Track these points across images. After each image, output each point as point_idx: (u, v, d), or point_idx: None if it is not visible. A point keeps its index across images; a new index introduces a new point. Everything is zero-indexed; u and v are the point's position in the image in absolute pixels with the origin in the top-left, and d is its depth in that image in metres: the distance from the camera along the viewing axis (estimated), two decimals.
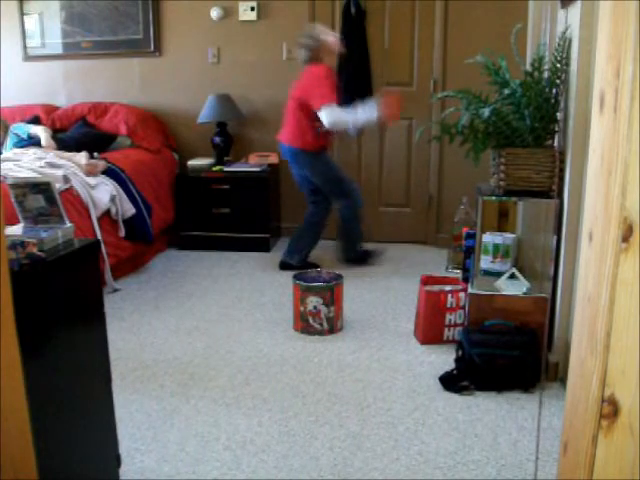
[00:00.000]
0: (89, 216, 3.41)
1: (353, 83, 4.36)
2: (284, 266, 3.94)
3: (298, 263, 3.91)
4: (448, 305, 2.84)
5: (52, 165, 3.58)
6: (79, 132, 4.41)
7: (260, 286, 3.71)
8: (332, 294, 3.00)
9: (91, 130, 4.49)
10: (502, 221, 3.75)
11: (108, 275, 3.52)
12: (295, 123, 3.77)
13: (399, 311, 3.30)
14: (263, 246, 4.41)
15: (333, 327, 3.02)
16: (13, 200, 1.69)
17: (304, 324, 3.02)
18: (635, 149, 0.88)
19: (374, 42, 4.39)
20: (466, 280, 3.00)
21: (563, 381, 2.44)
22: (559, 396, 2.36)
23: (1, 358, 1.00)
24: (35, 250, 1.49)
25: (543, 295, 2.59)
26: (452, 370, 2.54)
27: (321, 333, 3.00)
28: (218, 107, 4.46)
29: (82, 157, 3.76)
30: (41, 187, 1.66)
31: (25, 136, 4.17)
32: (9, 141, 4.17)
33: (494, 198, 2.68)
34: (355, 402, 2.38)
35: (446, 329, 2.87)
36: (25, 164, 3.54)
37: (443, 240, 4.38)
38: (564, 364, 2.45)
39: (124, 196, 3.74)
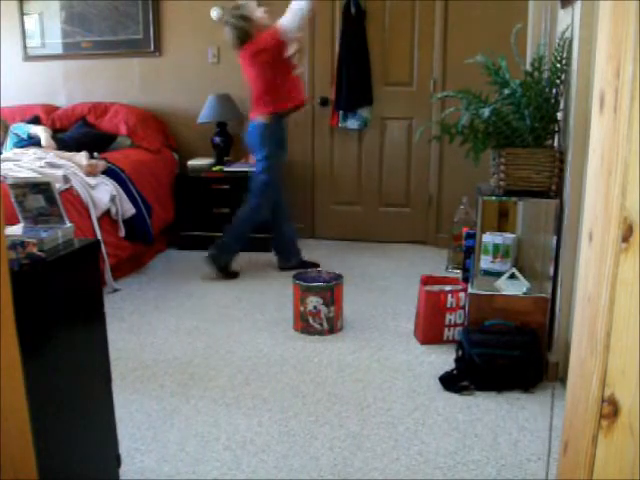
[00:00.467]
0: (89, 216, 3.41)
1: (353, 83, 4.37)
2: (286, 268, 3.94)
3: (297, 263, 3.91)
4: (448, 305, 2.84)
5: (52, 165, 3.58)
6: (79, 132, 4.41)
7: (260, 286, 3.71)
8: (332, 294, 3.00)
9: (91, 130, 4.49)
10: (502, 221, 3.75)
11: (108, 275, 3.52)
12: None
13: (399, 311, 3.30)
14: (263, 246, 4.41)
15: (333, 327, 3.02)
16: (13, 200, 1.69)
17: (304, 324, 3.02)
18: (635, 149, 0.88)
19: (374, 42, 4.39)
20: (466, 280, 3.00)
21: (563, 381, 2.44)
22: (559, 396, 2.36)
23: (1, 358, 1.00)
24: (35, 250, 1.49)
25: (543, 295, 2.59)
26: (452, 370, 2.54)
27: (321, 333, 3.00)
28: (218, 107, 4.46)
29: (82, 157, 3.76)
30: (41, 187, 1.66)
31: (25, 136, 4.17)
32: (9, 141, 4.17)
33: (494, 198, 2.68)
34: (355, 402, 2.38)
35: (446, 329, 2.87)
36: (25, 164, 3.54)
37: (443, 240, 4.37)
38: (564, 364, 2.45)
39: (124, 196, 3.74)
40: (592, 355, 0.98)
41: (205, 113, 4.47)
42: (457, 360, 2.57)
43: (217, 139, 4.51)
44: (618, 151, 0.91)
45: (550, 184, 2.54)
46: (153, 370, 2.65)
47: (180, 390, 2.48)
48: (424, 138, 4.23)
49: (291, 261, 3.96)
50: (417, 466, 1.98)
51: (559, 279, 2.52)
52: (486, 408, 2.33)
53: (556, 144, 2.68)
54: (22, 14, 4.86)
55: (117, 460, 1.87)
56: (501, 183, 2.58)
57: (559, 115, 2.60)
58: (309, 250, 4.43)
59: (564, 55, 2.48)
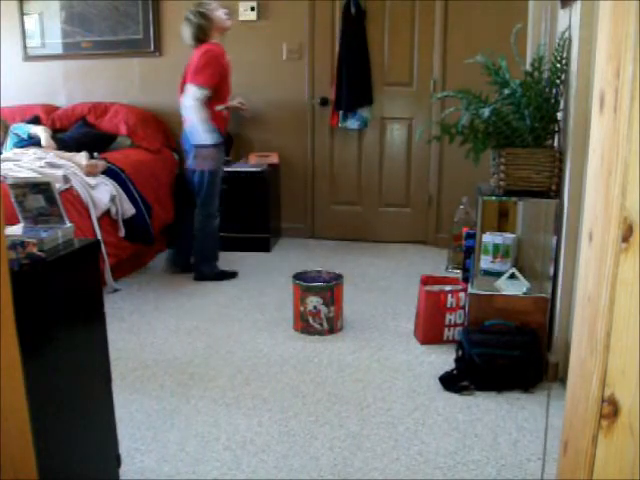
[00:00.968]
0: (89, 216, 3.41)
1: (353, 83, 4.37)
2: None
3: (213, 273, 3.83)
4: (448, 305, 2.84)
5: (52, 165, 3.58)
6: (79, 132, 4.41)
7: (260, 286, 3.71)
8: (332, 294, 3.00)
9: (91, 130, 4.49)
10: (502, 221, 3.75)
11: (108, 275, 3.52)
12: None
13: (399, 311, 3.30)
14: (263, 246, 4.41)
15: (333, 327, 3.02)
16: (13, 200, 1.69)
17: (304, 324, 3.02)
18: (635, 149, 0.88)
19: (374, 42, 4.39)
20: (466, 280, 3.00)
21: (563, 381, 2.44)
22: (559, 396, 2.36)
23: (1, 358, 1.00)
24: (35, 250, 1.49)
25: (543, 295, 2.59)
26: (452, 370, 2.54)
27: (321, 333, 3.00)
28: None
29: (82, 157, 3.76)
30: (41, 187, 1.66)
31: (25, 136, 4.17)
32: (9, 141, 4.17)
33: (494, 198, 2.68)
34: (355, 402, 2.38)
35: (446, 329, 2.87)
36: (25, 164, 3.54)
37: (443, 240, 4.38)
38: (564, 364, 2.45)
39: (124, 196, 3.74)
40: (592, 355, 0.98)
41: None
42: (457, 360, 2.57)
43: None
44: (618, 151, 0.91)
45: (550, 184, 2.54)
46: (153, 370, 2.65)
47: (180, 390, 2.48)
48: (424, 138, 4.23)
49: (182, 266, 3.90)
50: (417, 466, 1.98)
51: (559, 279, 2.52)
52: (486, 408, 2.33)
53: (556, 144, 2.68)
54: (22, 14, 4.86)
55: (117, 460, 1.87)
56: (501, 183, 2.58)
57: (559, 115, 2.60)
58: (309, 250, 4.45)
59: (564, 55, 2.48)
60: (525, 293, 2.63)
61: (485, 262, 3.12)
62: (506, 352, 2.42)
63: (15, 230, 1.65)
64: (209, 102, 3.47)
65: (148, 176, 4.15)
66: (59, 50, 4.85)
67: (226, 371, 2.64)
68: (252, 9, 4.49)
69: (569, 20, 2.48)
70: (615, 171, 0.92)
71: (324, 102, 4.55)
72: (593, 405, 0.97)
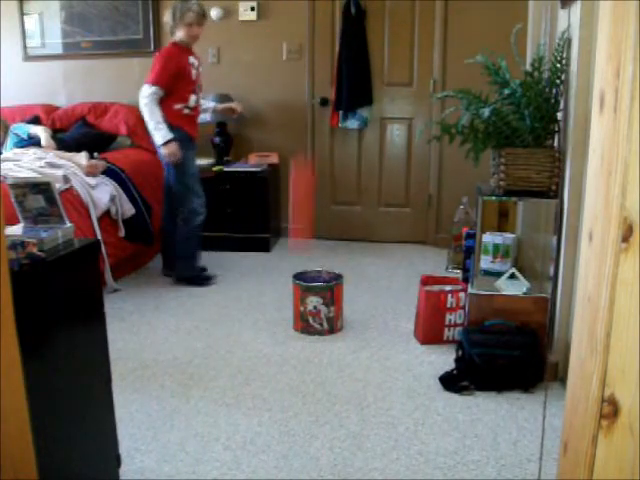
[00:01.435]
0: (89, 216, 3.41)
1: (353, 83, 4.37)
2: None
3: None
4: (448, 305, 2.84)
5: (52, 165, 3.58)
6: (79, 132, 4.41)
7: (260, 286, 3.71)
8: (332, 294, 3.00)
9: (91, 130, 4.49)
10: (502, 221, 3.76)
11: (108, 275, 3.52)
12: None
13: (399, 311, 3.30)
14: (263, 246, 4.41)
15: (333, 327, 3.02)
16: (13, 200, 1.69)
17: (304, 324, 3.02)
18: (635, 149, 0.88)
19: (374, 42, 4.39)
20: (466, 280, 3.00)
21: (563, 381, 2.44)
22: (559, 396, 2.36)
23: (1, 358, 1.00)
24: (35, 250, 1.49)
25: (543, 295, 2.59)
26: (452, 370, 2.54)
27: (321, 333, 3.00)
28: None
29: (82, 157, 3.76)
30: (41, 187, 1.66)
31: (25, 136, 4.17)
32: (9, 141, 4.17)
33: (494, 198, 2.68)
34: (355, 402, 2.38)
35: (446, 329, 2.87)
36: (25, 164, 3.54)
37: (443, 240, 4.37)
38: (564, 364, 2.45)
39: (124, 196, 3.74)
40: (592, 355, 0.98)
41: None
42: (457, 360, 2.57)
43: (217, 139, 4.51)
44: (618, 151, 0.91)
45: (550, 184, 2.54)
46: (153, 370, 2.65)
47: (180, 390, 2.48)
48: (424, 138, 4.23)
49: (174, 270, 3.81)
50: (417, 466, 1.98)
51: (559, 279, 2.52)
52: (486, 408, 2.33)
53: (556, 144, 2.68)
54: (22, 14, 4.86)
55: (117, 460, 1.87)
56: (501, 183, 2.58)
57: (559, 115, 2.60)
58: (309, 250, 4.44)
59: (564, 55, 2.48)
60: (525, 293, 2.63)
61: (485, 262, 3.13)
62: (506, 352, 2.42)
63: (15, 230, 1.65)
64: (165, 101, 3.45)
65: (148, 176, 4.15)
66: (59, 50, 4.86)
67: (226, 371, 2.64)
68: (252, 9, 4.49)
69: (569, 20, 2.48)
70: (615, 171, 0.92)
71: (324, 102, 4.55)
72: (593, 405, 0.97)
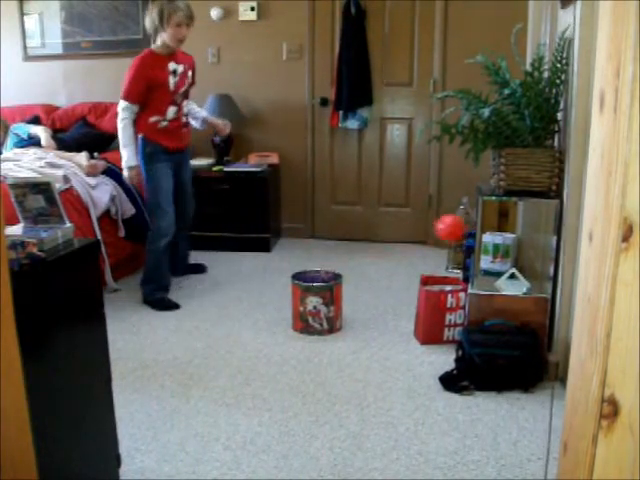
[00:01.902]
0: (89, 216, 3.42)
1: (353, 83, 4.37)
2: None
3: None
4: (448, 305, 2.84)
5: (52, 165, 3.58)
6: (79, 132, 4.41)
7: (260, 286, 3.71)
8: (332, 294, 3.00)
9: (91, 130, 4.49)
10: (502, 221, 3.75)
11: (108, 275, 3.52)
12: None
13: (399, 311, 3.30)
14: (263, 246, 4.41)
15: (333, 327, 3.02)
16: (13, 200, 1.69)
17: (304, 324, 3.02)
18: (635, 149, 0.88)
19: (374, 42, 4.39)
20: (466, 280, 3.00)
21: (563, 381, 2.44)
22: (559, 396, 2.35)
23: (1, 358, 1.00)
24: (35, 250, 1.49)
25: (543, 295, 2.59)
26: (452, 370, 2.54)
27: (321, 333, 3.00)
28: (218, 107, 4.45)
29: (82, 157, 3.76)
30: (41, 187, 1.66)
31: (25, 136, 4.17)
32: (9, 141, 4.17)
33: (494, 198, 2.68)
34: (355, 402, 2.38)
35: (446, 329, 2.87)
36: (25, 164, 3.54)
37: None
38: (564, 364, 2.45)
39: (124, 196, 3.74)
40: (592, 355, 0.98)
41: None
42: (457, 360, 2.57)
43: (217, 139, 4.51)
44: (618, 151, 0.91)
45: (550, 184, 2.54)
46: (153, 370, 2.65)
47: (180, 390, 2.48)
48: (424, 138, 4.23)
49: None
50: (417, 466, 1.98)
51: (559, 279, 2.51)
52: (486, 408, 2.33)
53: (556, 144, 2.68)
54: (22, 14, 4.86)
55: (117, 460, 1.87)
56: (501, 183, 2.58)
57: (559, 115, 2.60)
58: (309, 250, 4.45)
59: (564, 55, 2.48)
60: (525, 293, 2.63)
61: (485, 262, 3.13)
62: (506, 352, 2.42)
63: (15, 230, 1.65)
64: (140, 114, 3.26)
65: None
66: (59, 50, 4.86)
67: (226, 371, 2.64)
68: (252, 9, 4.49)
69: (569, 20, 2.48)
70: (615, 171, 0.92)
71: (324, 102, 4.55)
72: (593, 405, 0.97)
